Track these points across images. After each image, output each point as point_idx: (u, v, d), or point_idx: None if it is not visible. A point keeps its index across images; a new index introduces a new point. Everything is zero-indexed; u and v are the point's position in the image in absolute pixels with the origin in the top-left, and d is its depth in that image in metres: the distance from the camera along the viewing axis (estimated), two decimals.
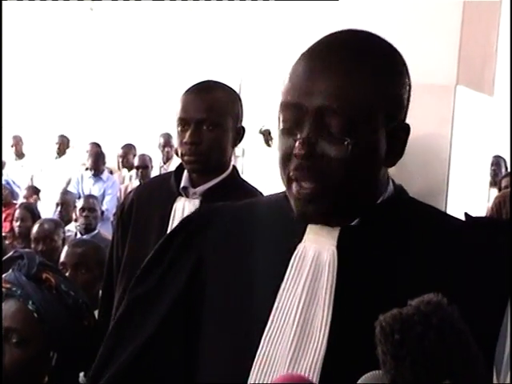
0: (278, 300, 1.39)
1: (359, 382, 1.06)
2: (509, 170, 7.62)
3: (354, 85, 1.33)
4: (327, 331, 1.33)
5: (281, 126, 1.37)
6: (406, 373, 0.96)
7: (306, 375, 1.31)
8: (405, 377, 0.96)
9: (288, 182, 1.37)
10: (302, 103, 1.33)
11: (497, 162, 7.20)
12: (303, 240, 1.41)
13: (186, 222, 1.61)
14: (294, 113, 1.34)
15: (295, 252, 1.40)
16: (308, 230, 1.41)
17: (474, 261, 1.36)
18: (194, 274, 1.51)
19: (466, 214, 1.48)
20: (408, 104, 1.43)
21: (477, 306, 1.25)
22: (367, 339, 1.06)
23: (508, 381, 1.09)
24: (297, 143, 1.32)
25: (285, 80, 1.38)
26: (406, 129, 1.41)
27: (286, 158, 1.36)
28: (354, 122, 1.32)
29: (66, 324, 2.01)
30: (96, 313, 2.56)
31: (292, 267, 1.40)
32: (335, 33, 1.43)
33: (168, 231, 2.59)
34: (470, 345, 0.98)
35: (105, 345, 1.58)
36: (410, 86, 1.43)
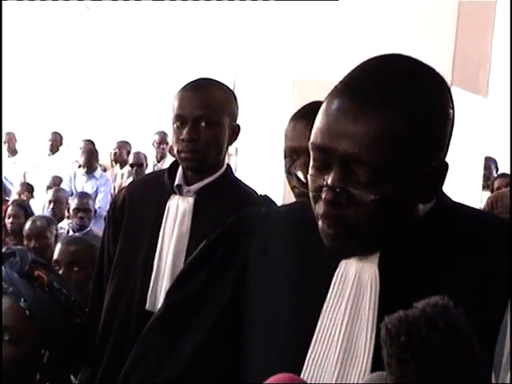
0: (320, 320, 1.37)
1: (363, 381, 1.05)
2: (500, 171, 7.62)
3: (384, 132, 1.25)
4: (371, 353, 1.31)
5: (311, 164, 1.34)
6: (410, 375, 0.96)
7: None
8: (409, 379, 0.96)
9: (317, 218, 1.35)
10: (329, 147, 1.28)
11: (488, 165, 7.20)
12: None
13: (231, 225, 1.58)
14: (322, 155, 1.30)
15: (337, 270, 1.38)
16: None
17: None
18: (240, 282, 1.49)
19: None
20: (450, 140, 1.34)
21: None
22: None
23: (508, 381, 1.09)
24: (323, 188, 1.29)
25: (317, 116, 1.32)
26: (445, 167, 1.33)
27: (314, 198, 1.34)
28: (383, 173, 1.26)
29: (58, 322, 2.00)
30: None
31: (334, 286, 1.37)
32: (370, 62, 1.35)
33: (161, 229, 2.58)
34: (475, 348, 0.98)
35: (141, 345, 1.57)
36: (453, 120, 1.34)
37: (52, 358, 1.98)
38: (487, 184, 7.27)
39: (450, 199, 1.43)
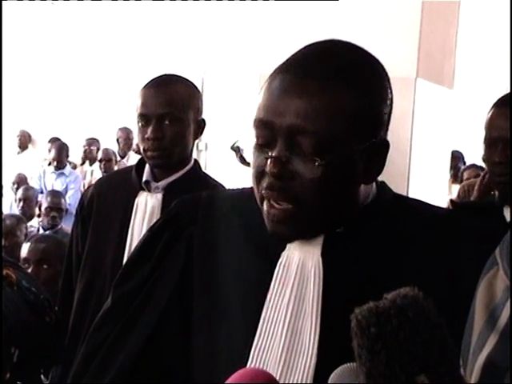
0: (264, 311, 1.36)
1: (334, 372, 1.05)
2: (467, 164, 7.68)
3: (328, 104, 1.29)
4: (316, 342, 1.32)
5: (254, 142, 1.34)
6: (381, 366, 0.95)
7: None
8: (380, 370, 0.95)
9: (260, 199, 1.35)
10: (273, 121, 1.30)
11: (455, 164, 7.22)
12: (287, 247, 1.39)
13: (173, 213, 1.56)
14: (266, 130, 1.31)
15: (280, 260, 1.38)
16: None
17: (466, 249, 1.34)
18: (186, 271, 1.47)
19: (451, 201, 1.46)
20: (389, 119, 1.38)
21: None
22: None
23: (475, 372, 1.10)
24: (268, 161, 1.30)
25: (259, 94, 1.34)
26: (386, 145, 1.36)
27: (258, 175, 1.33)
28: (327, 142, 1.28)
29: (28, 320, 1.99)
30: None
31: (277, 276, 1.37)
32: (312, 45, 1.39)
33: (130, 226, 2.58)
34: (446, 340, 0.98)
35: (89, 342, 1.55)
36: (391, 99, 1.38)
37: (22, 356, 1.98)
38: (456, 178, 7.32)
39: (392, 191, 1.45)
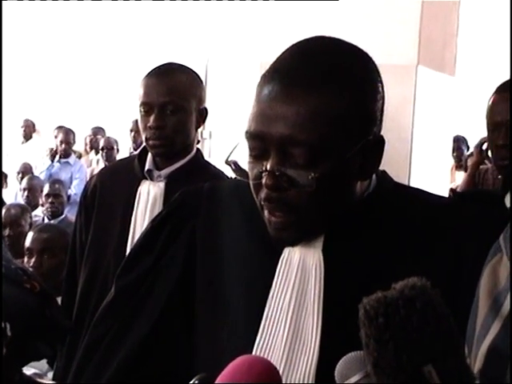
0: (267, 308, 1.37)
1: (342, 360, 1.06)
2: (471, 149, 7.65)
3: (315, 112, 1.27)
4: (318, 339, 1.32)
5: (248, 153, 1.34)
6: (388, 356, 0.97)
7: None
8: (387, 360, 0.97)
9: (260, 207, 1.35)
10: (264, 132, 1.29)
11: (458, 145, 7.19)
12: None
13: (176, 204, 1.56)
14: (258, 142, 1.30)
15: (282, 256, 1.38)
16: None
17: (468, 237, 1.34)
18: (188, 263, 1.47)
19: (452, 190, 1.45)
20: (382, 115, 1.36)
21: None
22: (360, 343, 1.02)
23: (479, 359, 1.11)
24: (263, 174, 1.30)
25: (251, 103, 1.33)
26: (381, 141, 1.35)
27: (255, 186, 1.34)
28: (319, 151, 1.27)
29: (6, 291, 1.97)
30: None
31: (279, 273, 1.37)
32: (297, 46, 1.37)
33: (133, 215, 2.59)
34: (453, 330, 0.99)
35: (92, 333, 1.55)
36: (383, 95, 1.36)
37: (15, 329, 1.95)
38: (460, 164, 7.30)
39: (393, 181, 1.44)
